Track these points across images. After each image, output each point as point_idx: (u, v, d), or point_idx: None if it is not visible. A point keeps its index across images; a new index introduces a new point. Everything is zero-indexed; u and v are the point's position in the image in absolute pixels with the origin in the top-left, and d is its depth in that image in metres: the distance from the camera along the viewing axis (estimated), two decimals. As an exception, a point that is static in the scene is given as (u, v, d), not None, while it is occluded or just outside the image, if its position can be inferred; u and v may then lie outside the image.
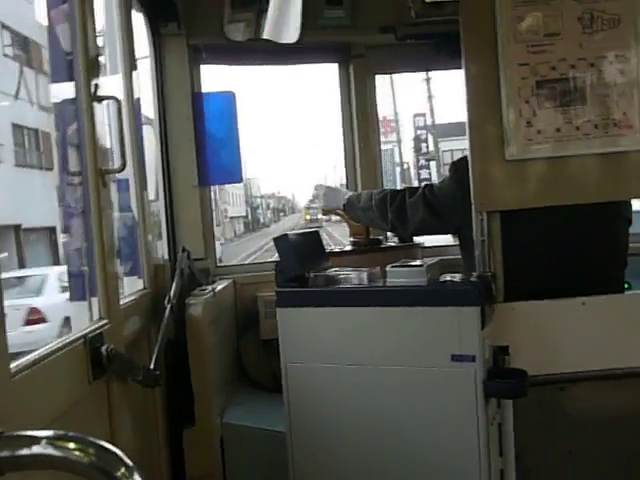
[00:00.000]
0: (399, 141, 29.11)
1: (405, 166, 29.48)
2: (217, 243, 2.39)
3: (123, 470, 0.79)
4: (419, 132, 27.18)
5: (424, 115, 27.26)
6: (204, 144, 2.43)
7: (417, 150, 27.12)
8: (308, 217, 36.00)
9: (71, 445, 0.81)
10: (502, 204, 1.87)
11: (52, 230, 15.27)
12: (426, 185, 2.17)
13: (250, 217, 54.81)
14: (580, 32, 1.83)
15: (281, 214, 74.15)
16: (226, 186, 40.61)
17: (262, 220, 58.85)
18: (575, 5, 1.83)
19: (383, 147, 3.02)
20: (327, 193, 2.44)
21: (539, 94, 1.84)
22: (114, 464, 0.80)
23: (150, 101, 2.37)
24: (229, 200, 45.59)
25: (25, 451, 0.80)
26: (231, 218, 44.34)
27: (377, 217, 2.23)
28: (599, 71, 1.83)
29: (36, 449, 0.80)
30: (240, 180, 2.62)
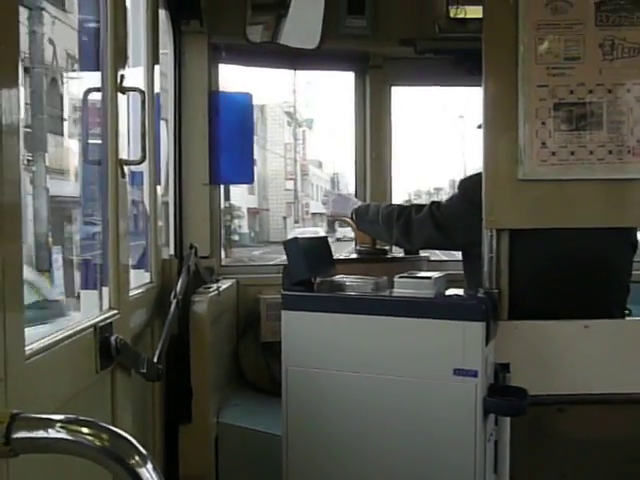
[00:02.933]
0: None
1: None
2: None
3: (137, 458, 0.79)
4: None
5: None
6: (218, 143, 2.44)
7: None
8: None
9: (85, 430, 0.81)
10: (512, 223, 1.88)
11: None
12: (433, 202, 2.18)
13: (336, 215, 48.57)
14: (600, 58, 1.85)
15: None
16: (310, 176, 35.22)
17: (349, 220, 53.65)
18: (597, 31, 1.85)
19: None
20: (336, 200, 2.45)
21: (556, 116, 1.86)
22: (127, 451, 0.80)
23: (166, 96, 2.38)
24: (312, 194, 38.46)
25: (41, 433, 0.80)
26: (313, 214, 37.15)
27: (383, 231, 2.25)
28: (616, 98, 1.86)
29: (52, 432, 0.80)
30: (251, 181, 2.62)
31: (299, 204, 33.87)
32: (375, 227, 2.28)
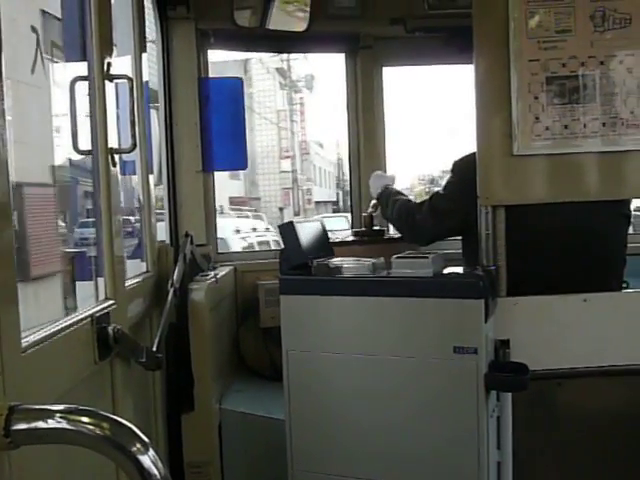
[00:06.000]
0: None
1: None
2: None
3: (138, 445, 0.79)
4: None
5: None
6: (209, 130, 2.42)
7: None
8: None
9: (86, 419, 0.81)
10: (507, 199, 1.87)
11: None
12: (431, 196, 2.17)
13: (342, 204, 31.13)
14: (591, 30, 1.83)
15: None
16: (312, 155, 26.50)
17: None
18: (587, 3, 1.83)
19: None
20: (373, 180, 2.44)
21: (548, 90, 1.84)
22: (129, 439, 0.80)
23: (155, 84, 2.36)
24: (315, 177, 28.57)
25: (41, 424, 0.80)
26: (317, 203, 28.02)
27: (398, 229, 2.31)
28: (608, 69, 1.84)
29: (52, 423, 0.80)
30: (245, 167, 2.61)
31: (298, 190, 25.56)
32: (393, 222, 2.31)
